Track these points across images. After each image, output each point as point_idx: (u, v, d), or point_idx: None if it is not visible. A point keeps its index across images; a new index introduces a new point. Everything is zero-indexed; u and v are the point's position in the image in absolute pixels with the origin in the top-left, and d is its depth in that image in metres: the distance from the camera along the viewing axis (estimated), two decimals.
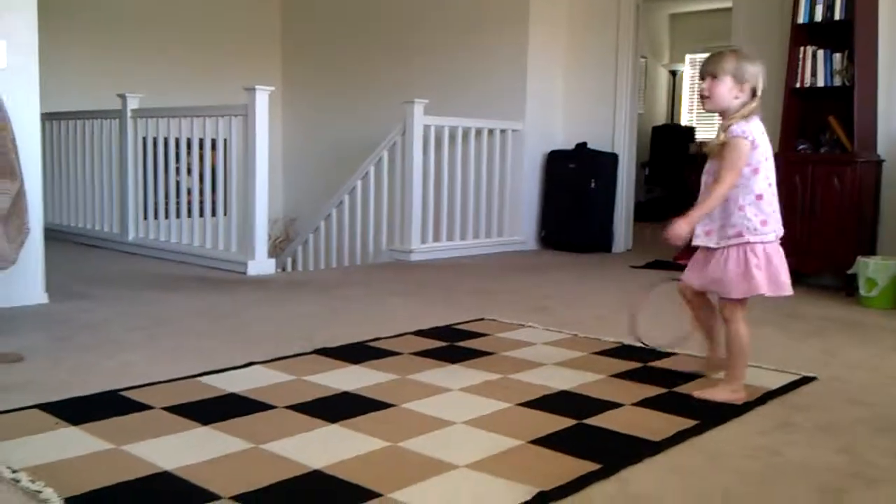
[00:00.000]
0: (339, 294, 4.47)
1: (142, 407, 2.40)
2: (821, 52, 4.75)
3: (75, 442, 2.11)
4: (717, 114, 2.62)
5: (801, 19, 4.76)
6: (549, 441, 2.19)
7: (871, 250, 4.67)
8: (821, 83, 4.75)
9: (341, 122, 7.71)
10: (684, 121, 10.82)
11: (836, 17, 4.65)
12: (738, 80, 2.54)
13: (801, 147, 4.84)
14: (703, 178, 2.65)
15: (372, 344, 3.23)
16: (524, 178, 6.49)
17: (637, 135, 6.71)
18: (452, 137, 6.13)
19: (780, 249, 2.60)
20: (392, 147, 5.91)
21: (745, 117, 2.54)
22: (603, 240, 6.41)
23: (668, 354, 3.15)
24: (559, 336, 3.46)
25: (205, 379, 2.70)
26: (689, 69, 10.76)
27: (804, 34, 4.79)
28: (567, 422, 2.34)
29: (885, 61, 4.77)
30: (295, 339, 3.30)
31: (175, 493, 1.83)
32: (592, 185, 6.32)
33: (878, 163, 4.76)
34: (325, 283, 4.92)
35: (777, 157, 4.73)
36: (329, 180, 7.13)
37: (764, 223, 2.55)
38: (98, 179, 6.21)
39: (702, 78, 2.62)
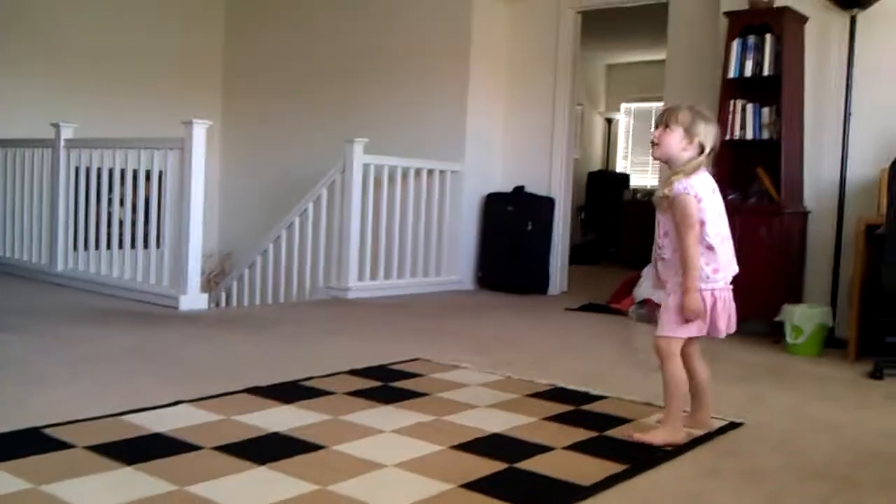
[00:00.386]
0: (272, 331, 4.42)
1: (64, 445, 2.32)
2: (750, 106, 4.91)
3: None
4: (664, 162, 2.68)
5: (731, 74, 4.92)
6: (480, 485, 2.18)
7: (797, 298, 4.81)
8: (750, 136, 4.90)
9: (281, 157, 7.68)
10: (619, 167, 11.05)
11: (765, 72, 4.82)
12: (689, 133, 2.59)
13: (730, 197, 4.97)
14: (657, 230, 2.71)
15: (304, 383, 3.19)
16: (463, 219, 6.54)
17: (573, 179, 6.82)
18: (392, 176, 6.15)
19: (729, 295, 2.67)
20: (331, 184, 5.90)
21: (689, 174, 2.58)
22: (539, 282, 6.47)
23: (600, 398, 3.18)
24: (493, 378, 3.47)
25: (130, 417, 2.63)
26: (623, 117, 11.02)
27: (734, 88, 4.95)
28: (498, 465, 2.34)
29: (810, 116, 4.96)
30: (225, 377, 3.24)
31: None
32: (530, 227, 6.39)
33: (804, 213, 4.92)
34: (259, 319, 4.85)
35: None
36: (267, 216, 7.07)
37: (716, 271, 2.62)
38: (27, 209, 6.06)
39: (656, 126, 2.67)
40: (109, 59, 7.39)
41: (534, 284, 6.46)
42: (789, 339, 4.39)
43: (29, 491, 1.99)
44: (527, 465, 2.36)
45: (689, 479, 2.34)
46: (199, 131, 4.92)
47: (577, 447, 2.55)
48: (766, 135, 4.85)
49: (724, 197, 4.90)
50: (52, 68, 7.03)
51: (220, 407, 2.79)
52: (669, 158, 2.63)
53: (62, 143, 5.76)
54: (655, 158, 2.68)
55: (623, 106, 10.96)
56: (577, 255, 7.86)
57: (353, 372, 3.43)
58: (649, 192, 9.70)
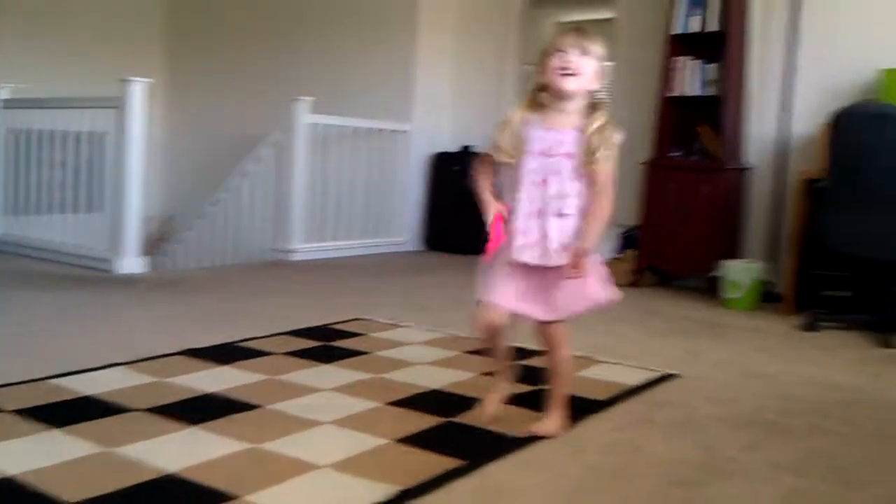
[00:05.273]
0: (212, 294, 4.36)
1: None
2: (695, 63, 4.92)
3: None
4: (561, 99, 2.20)
5: (676, 30, 4.93)
6: (416, 440, 2.19)
7: (737, 254, 4.88)
8: (694, 92, 4.93)
9: (227, 117, 7.53)
10: None
11: (710, 28, 4.83)
12: (601, 67, 2.20)
13: (673, 154, 5.01)
14: (547, 179, 2.20)
15: (243, 344, 3.16)
16: (410, 180, 6.49)
17: None
18: (339, 136, 6.08)
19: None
20: (277, 144, 5.82)
21: (612, 126, 2.21)
22: (485, 241, 6.46)
23: (538, 352, 3.19)
24: (434, 335, 3.47)
25: (61, 381, 2.57)
26: None
27: (679, 45, 4.96)
28: (435, 420, 2.35)
29: (755, 72, 4.99)
30: (162, 339, 3.18)
31: (19, 499, 1.74)
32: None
33: (746, 170, 4.97)
34: (200, 282, 4.79)
35: (650, 163, 4.97)
36: (213, 178, 6.94)
37: None
38: None
39: (568, 51, 2.16)
40: (45, 15, 7.14)
41: (480, 245, 6.44)
42: (726, 295, 4.46)
43: None
44: (463, 419, 2.37)
45: (622, 429, 2.37)
46: (139, 89, 4.79)
47: (512, 401, 2.56)
48: (710, 91, 4.88)
49: (667, 154, 5.01)
50: None
51: (156, 370, 2.75)
52: (582, 94, 2.19)
53: None
54: (568, 90, 2.16)
55: None
56: None
57: (294, 332, 3.40)
58: None
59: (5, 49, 6.79)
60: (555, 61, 2.17)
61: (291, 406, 2.44)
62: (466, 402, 2.52)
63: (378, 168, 6.33)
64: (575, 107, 2.20)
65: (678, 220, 4.79)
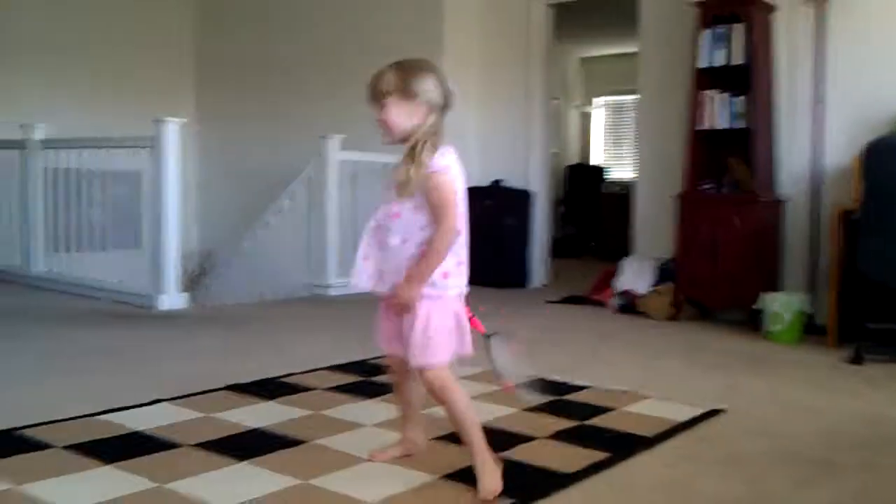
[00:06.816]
0: (252, 329, 4.39)
1: (42, 445, 2.30)
2: (722, 96, 4.93)
3: None
4: (400, 143, 2.13)
5: (702, 64, 4.94)
6: (463, 476, 2.17)
7: (775, 286, 4.83)
8: (723, 125, 4.93)
9: (259, 154, 7.62)
10: (596, 161, 11.08)
11: (735, 62, 4.84)
12: (406, 94, 2.08)
13: (704, 187, 5.00)
14: (374, 224, 2.17)
15: (284, 380, 3.18)
16: None
17: (552, 173, 6.82)
18: (369, 172, 6.13)
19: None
20: (310, 181, 5.87)
21: (433, 149, 2.07)
22: (519, 275, 6.47)
23: (581, 387, 3.19)
24: (474, 370, 3.45)
25: (108, 417, 2.60)
26: (599, 111, 11.06)
27: (706, 78, 4.96)
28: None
29: (783, 104, 4.99)
30: (205, 375, 3.21)
31: None
32: (508, 221, 6.39)
33: (780, 202, 4.95)
34: (239, 317, 4.82)
35: (682, 196, 4.97)
36: (247, 213, 7.01)
37: (460, 263, 2.15)
38: None
39: (371, 105, 2.14)
40: (79, 57, 7.30)
41: (513, 278, 6.46)
42: (768, 327, 4.42)
43: (9, 491, 1.97)
44: (509, 454, 2.36)
45: (669, 466, 2.35)
46: (172, 129, 4.88)
47: (558, 436, 2.55)
48: (739, 124, 4.87)
49: (699, 187, 5.00)
50: (19, 65, 6.91)
51: (200, 405, 2.77)
52: (405, 137, 2.10)
53: (35, 144, 5.69)
54: (389, 144, 2.13)
55: (599, 100, 10.99)
56: (558, 249, 7.87)
57: (334, 367, 3.41)
58: (627, 185, 9.73)
59: (42, 90, 6.94)
60: None
61: (336, 441, 2.44)
62: (511, 438, 2.51)
63: None
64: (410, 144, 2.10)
65: (713, 253, 4.77)
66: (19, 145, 5.77)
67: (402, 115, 2.08)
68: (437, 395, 2.12)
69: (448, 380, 2.11)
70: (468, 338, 2.15)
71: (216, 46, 8.09)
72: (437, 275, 2.06)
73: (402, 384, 2.31)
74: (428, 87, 2.09)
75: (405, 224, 2.08)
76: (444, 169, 2.06)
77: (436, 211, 2.05)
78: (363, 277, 2.15)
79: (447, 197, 2.05)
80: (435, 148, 2.07)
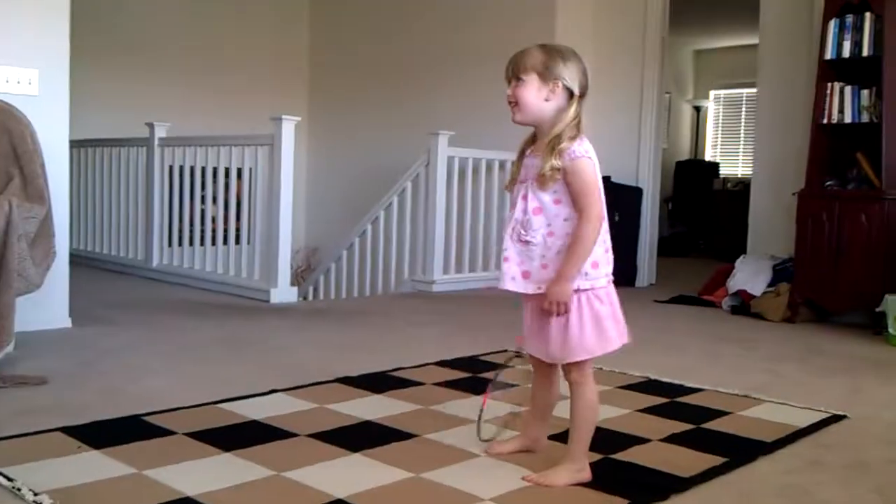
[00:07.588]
0: (360, 323, 4.46)
1: (164, 432, 2.39)
2: (848, 89, 4.73)
3: (97, 466, 2.10)
4: (528, 125, 2.16)
5: (828, 55, 4.75)
6: None
7: None
8: (848, 119, 4.72)
9: (366, 151, 7.74)
10: (708, 156, 10.80)
11: (864, 53, 4.63)
12: (547, 77, 2.06)
13: (828, 183, 4.80)
14: (517, 206, 2.12)
15: (394, 373, 3.21)
16: None
17: (661, 170, 6.68)
18: (476, 169, 6.14)
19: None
20: (416, 178, 5.93)
21: (573, 137, 2.05)
22: (626, 274, 6.37)
23: (695, 390, 3.11)
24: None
25: (227, 405, 2.68)
26: (713, 105, 10.76)
27: (831, 70, 4.77)
28: (594, 456, 2.29)
29: None
30: (317, 367, 3.28)
31: None
32: (616, 218, 6.29)
33: None
34: (347, 312, 4.91)
35: (804, 193, 4.78)
36: (352, 210, 7.14)
37: (607, 251, 2.12)
38: (123, 206, 6.26)
39: (507, 81, 2.14)
40: (197, 57, 7.58)
41: (621, 277, 6.33)
42: (892, 330, 4.21)
43: (132, 475, 2.05)
44: (623, 456, 2.32)
45: (791, 473, 2.26)
46: (289, 127, 4.99)
47: (672, 439, 2.49)
48: (865, 118, 4.66)
49: (822, 184, 4.80)
50: (144, 67, 7.23)
51: (313, 396, 2.83)
52: (536, 119, 2.11)
53: (156, 142, 5.93)
54: (517, 123, 2.14)
55: (712, 93, 10.70)
56: (666, 248, 7.71)
57: (442, 363, 3.43)
58: (741, 182, 9.44)
59: (162, 91, 7.23)
60: None
61: (447, 436, 2.45)
62: (625, 439, 2.47)
63: None
64: (547, 130, 2.09)
65: (835, 253, 4.57)
66: (143, 143, 6.02)
67: (537, 96, 2.08)
68: (577, 388, 2.12)
69: (591, 374, 2.14)
70: (623, 327, 2.16)
71: (328, 44, 8.24)
72: (587, 265, 2.04)
73: (542, 382, 2.29)
74: (570, 73, 2.08)
75: (548, 217, 2.07)
76: (584, 154, 2.04)
77: (579, 199, 2.02)
78: (506, 279, 2.12)
79: (590, 183, 2.02)
80: (574, 137, 2.05)
